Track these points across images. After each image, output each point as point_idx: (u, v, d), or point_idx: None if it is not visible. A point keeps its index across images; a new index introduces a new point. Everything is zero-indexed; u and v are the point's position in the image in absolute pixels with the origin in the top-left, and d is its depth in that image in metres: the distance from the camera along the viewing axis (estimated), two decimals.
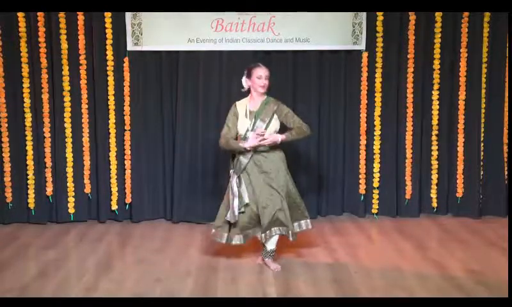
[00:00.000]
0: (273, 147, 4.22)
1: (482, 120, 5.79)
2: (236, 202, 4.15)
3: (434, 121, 5.81)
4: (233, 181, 4.18)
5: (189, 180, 5.69)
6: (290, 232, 4.20)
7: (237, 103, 4.32)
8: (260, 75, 4.21)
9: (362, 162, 5.81)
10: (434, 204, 5.91)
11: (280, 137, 4.16)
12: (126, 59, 5.55)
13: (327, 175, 5.86)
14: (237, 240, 4.27)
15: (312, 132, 4.41)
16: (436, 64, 5.71)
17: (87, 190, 5.69)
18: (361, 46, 5.62)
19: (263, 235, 4.22)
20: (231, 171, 4.27)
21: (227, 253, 4.56)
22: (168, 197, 5.78)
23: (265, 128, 4.16)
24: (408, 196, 5.86)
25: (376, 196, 5.84)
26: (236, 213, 4.16)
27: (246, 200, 4.17)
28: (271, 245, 4.32)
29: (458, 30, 5.68)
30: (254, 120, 4.19)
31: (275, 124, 4.23)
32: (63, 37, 5.47)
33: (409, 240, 5.04)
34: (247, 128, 4.19)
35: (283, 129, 4.30)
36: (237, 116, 4.25)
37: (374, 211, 5.86)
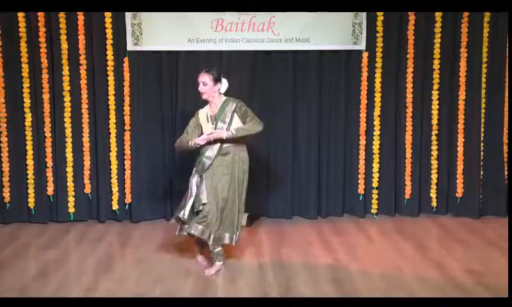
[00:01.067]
0: (237, 147, 4.21)
1: (482, 120, 5.79)
2: (191, 202, 4.15)
3: (434, 121, 5.81)
4: (193, 180, 4.19)
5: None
6: (234, 237, 4.23)
7: (200, 111, 4.35)
8: (198, 82, 4.22)
9: (362, 162, 5.81)
10: (434, 204, 5.91)
11: (224, 134, 4.10)
12: (126, 59, 5.55)
13: (327, 175, 5.86)
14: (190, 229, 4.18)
15: (263, 128, 4.22)
16: (436, 64, 5.71)
17: (87, 190, 5.70)
18: (361, 46, 5.63)
19: (227, 236, 4.22)
20: (193, 170, 4.28)
21: (227, 253, 4.56)
22: (167, 197, 5.78)
23: (227, 129, 4.15)
24: (407, 196, 5.86)
25: (375, 196, 5.85)
26: (187, 213, 4.14)
27: (204, 200, 4.14)
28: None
29: (458, 30, 5.68)
30: (215, 123, 4.18)
31: (237, 123, 4.19)
32: (63, 37, 5.48)
33: (409, 240, 5.04)
34: (210, 132, 4.17)
35: None
36: (198, 123, 4.29)
37: (374, 211, 5.86)
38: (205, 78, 4.18)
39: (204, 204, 4.13)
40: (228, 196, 4.19)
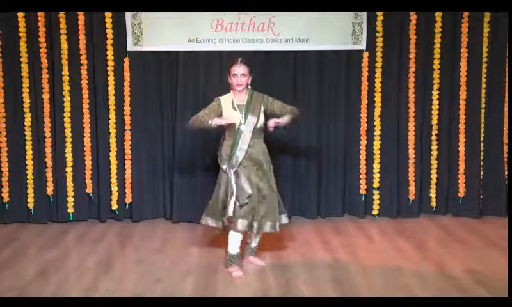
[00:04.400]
0: (260, 138, 4.26)
1: (482, 120, 5.80)
2: (233, 199, 4.09)
3: (434, 121, 5.81)
4: (231, 177, 4.12)
5: (189, 180, 5.69)
6: (277, 224, 4.21)
7: (221, 97, 4.28)
8: (235, 73, 4.17)
9: (362, 162, 5.81)
10: (434, 204, 5.91)
11: (287, 119, 4.20)
12: (126, 59, 5.55)
13: (327, 175, 5.86)
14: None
15: (297, 112, 4.32)
16: (436, 64, 5.71)
17: (87, 190, 5.70)
18: (362, 46, 5.63)
19: (255, 225, 4.17)
20: (224, 166, 4.19)
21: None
22: (167, 197, 5.78)
23: (257, 121, 4.18)
24: (408, 196, 5.85)
25: (376, 196, 5.84)
26: (231, 211, 4.08)
27: (249, 191, 4.11)
28: (256, 242, 4.43)
29: (458, 30, 5.68)
30: (245, 113, 4.17)
31: (262, 116, 4.24)
32: (63, 37, 5.48)
33: (409, 240, 5.04)
34: (240, 121, 4.16)
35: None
36: (218, 110, 4.21)
37: (375, 211, 5.85)
38: (244, 70, 4.18)
39: (249, 196, 4.10)
40: (261, 185, 4.17)
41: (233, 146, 4.16)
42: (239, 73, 4.16)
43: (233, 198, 4.10)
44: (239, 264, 4.27)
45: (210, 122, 4.10)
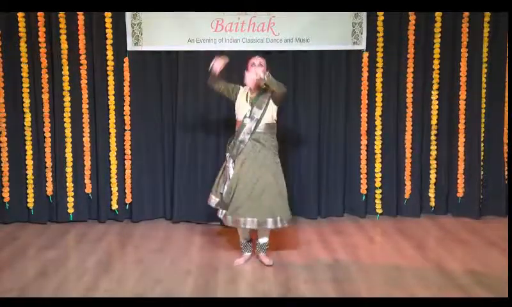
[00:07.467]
0: (270, 134, 4.33)
1: (482, 120, 5.80)
2: (228, 184, 4.27)
3: (434, 121, 5.81)
4: (230, 165, 4.29)
5: (189, 180, 5.69)
6: (278, 219, 4.24)
7: (241, 87, 4.46)
8: (254, 62, 4.37)
9: (363, 162, 5.81)
10: (434, 204, 5.90)
11: (262, 74, 4.18)
12: (126, 59, 5.55)
13: (327, 175, 5.85)
14: (229, 221, 4.27)
15: (286, 92, 4.37)
16: (436, 64, 5.71)
17: (87, 190, 5.70)
18: (362, 46, 5.63)
19: (255, 220, 4.20)
20: (227, 154, 4.37)
21: (227, 252, 4.56)
22: (167, 197, 5.78)
23: (262, 115, 4.28)
24: (408, 196, 5.85)
25: (376, 196, 5.84)
26: (225, 193, 4.28)
27: (230, 184, 4.26)
28: (263, 238, 4.41)
29: (458, 30, 5.68)
30: (251, 107, 4.31)
31: (271, 110, 4.32)
32: (63, 37, 5.48)
33: (409, 240, 5.04)
34: (245, 114, 4.31)
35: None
36: (235, 93, 4.43)
37: (379, 211, 5.85)
38: (263, 61, 4.38)
39: (231, 188, 4.25)
40: (260, 180, 4.21)
41: (236, 136, 4.33)
42: (258, 62, 4.35)
43: (227, 184, 4.28)
44: (247, 252, 4.44)
45: (210, 66, 4.33)
